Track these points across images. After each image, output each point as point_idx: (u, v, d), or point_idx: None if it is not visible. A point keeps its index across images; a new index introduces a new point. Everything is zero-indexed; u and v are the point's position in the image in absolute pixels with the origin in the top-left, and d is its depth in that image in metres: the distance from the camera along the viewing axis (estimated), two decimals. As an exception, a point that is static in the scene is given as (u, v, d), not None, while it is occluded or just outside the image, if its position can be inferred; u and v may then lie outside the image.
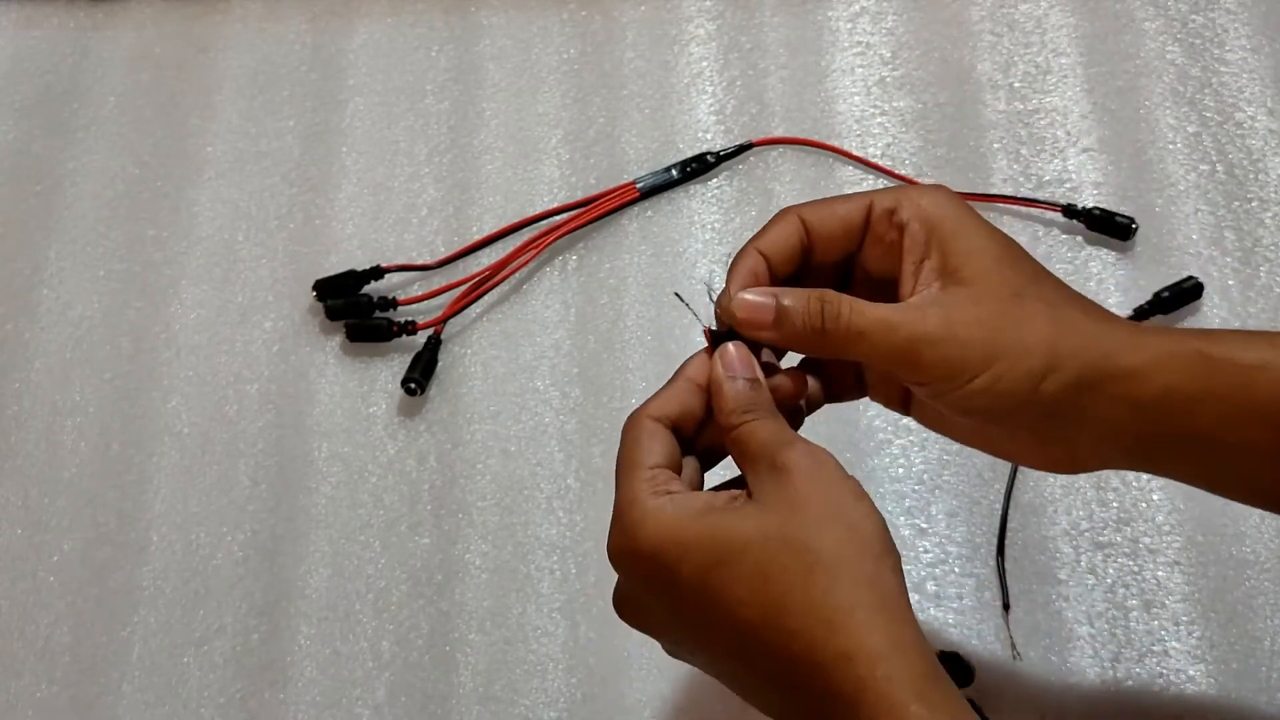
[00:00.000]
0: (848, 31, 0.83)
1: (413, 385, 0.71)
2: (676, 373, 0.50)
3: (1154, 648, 0.64)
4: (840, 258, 0.51)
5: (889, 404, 0.53)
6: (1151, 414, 0.48)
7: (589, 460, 0.70)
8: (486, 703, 0.64)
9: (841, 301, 0.48)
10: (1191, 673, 0.63)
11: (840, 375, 0.53)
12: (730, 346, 0.49)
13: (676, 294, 0.53)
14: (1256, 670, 0.63)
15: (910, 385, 0.50)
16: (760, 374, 0.49)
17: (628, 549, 0.46)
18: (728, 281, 0.49)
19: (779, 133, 0.79)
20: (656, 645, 0.49)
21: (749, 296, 0.48)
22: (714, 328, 0.50)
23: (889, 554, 0.44)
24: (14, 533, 0.69)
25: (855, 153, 0.78)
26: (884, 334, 0.47)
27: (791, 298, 0.48)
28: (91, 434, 0.72)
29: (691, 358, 0.50)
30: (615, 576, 0.66)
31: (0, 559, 0.69)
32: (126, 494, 0.70)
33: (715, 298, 0.50)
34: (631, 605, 0.49)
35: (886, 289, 0.50)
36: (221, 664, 0.66)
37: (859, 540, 0.44)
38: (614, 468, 0.49)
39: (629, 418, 0.49)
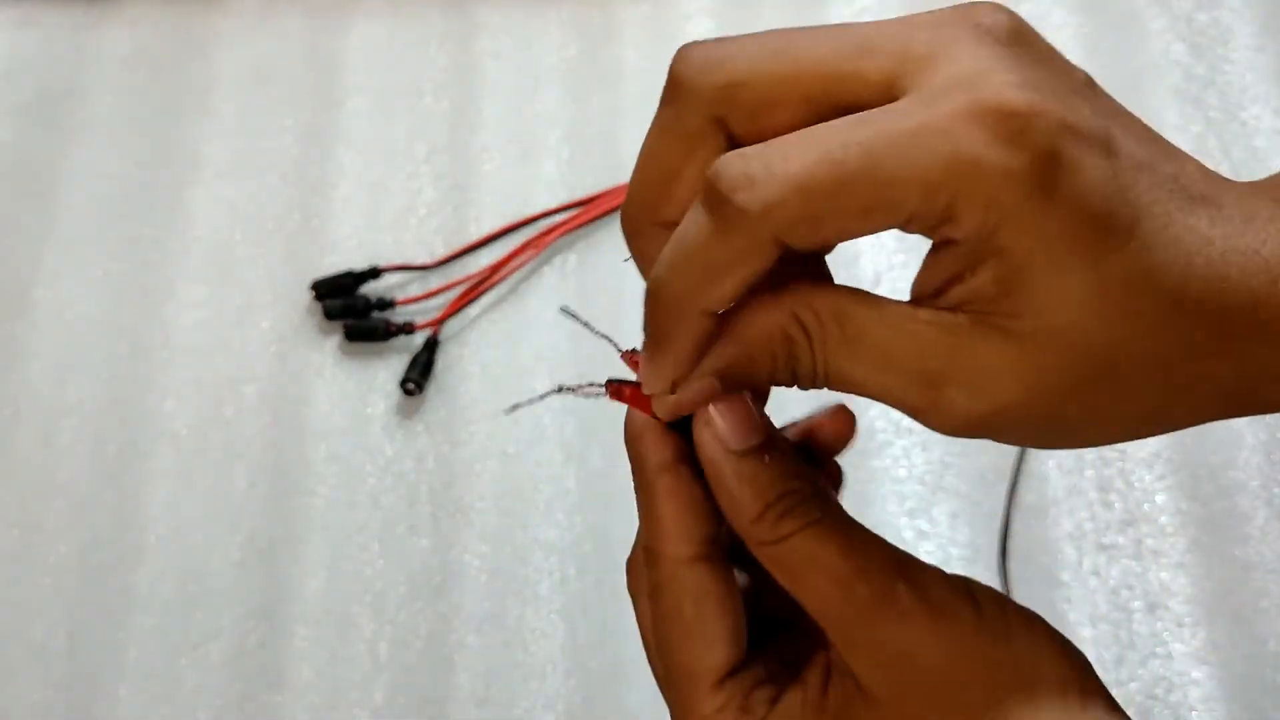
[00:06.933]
0: (849, 30, 0.82)
1: (411, 386, 0.71)
2: (639, 469, 0.33)
3: (1158, 650, 0.63)
4: None
5: None
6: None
7: (588, 462, 0.69)
8: (485, 706, 0.64)
9: (819, 348, 0.32)
10: (1195, 675, 0.62)
11: None
12: (713, 409, 0.32)
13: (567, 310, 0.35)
14: (1261, 673, 0.62)
15: None
16: (771, 427, 0.32)
17: None
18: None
19: (779, 132, 0.79)
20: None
21: (684, 396, 0.34)
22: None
23: None
24: (9, 535, 0.69)
25: (856, 152, 0.77)
26: (884, 392, 0.32)
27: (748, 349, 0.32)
28: (88, 435, 0.71)
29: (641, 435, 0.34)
30: (616, 575, 0.66)
31: (-5, 561, 0.69)
32: (123, 496, 0.70)
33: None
34: None
35: None
36: (218, 667, 0.65)
37: None
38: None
39: (657, 568, 0.32)
